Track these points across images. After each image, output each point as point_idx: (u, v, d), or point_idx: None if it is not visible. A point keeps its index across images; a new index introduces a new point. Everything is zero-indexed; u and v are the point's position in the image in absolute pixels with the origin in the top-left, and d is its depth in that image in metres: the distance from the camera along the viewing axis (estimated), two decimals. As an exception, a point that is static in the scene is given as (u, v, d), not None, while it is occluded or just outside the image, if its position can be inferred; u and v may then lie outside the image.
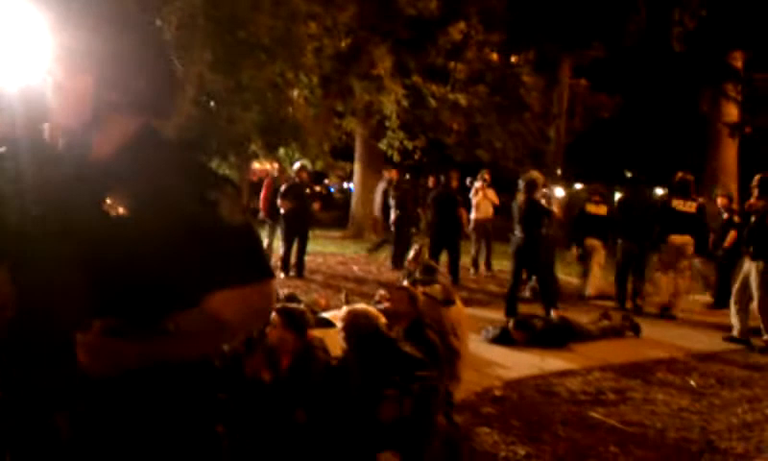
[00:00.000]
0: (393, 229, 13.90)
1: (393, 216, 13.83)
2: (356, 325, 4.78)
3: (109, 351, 1.70)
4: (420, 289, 6.79)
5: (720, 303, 11.30)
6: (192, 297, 1.83)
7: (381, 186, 16.28)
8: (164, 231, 1.79)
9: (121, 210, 1.80)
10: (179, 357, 1.83)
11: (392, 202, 14.11)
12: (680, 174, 11.05)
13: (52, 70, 1.92)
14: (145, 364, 1.76)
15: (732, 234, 11.29)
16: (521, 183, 9.98)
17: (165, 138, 2.01)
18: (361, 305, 5.27)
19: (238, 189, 2.07)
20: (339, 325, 5.00)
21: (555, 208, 10.73)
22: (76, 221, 1.83)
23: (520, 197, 9.97)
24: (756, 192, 9.13)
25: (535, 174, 10.17)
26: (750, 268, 8.99)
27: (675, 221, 10.70)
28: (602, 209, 11.98)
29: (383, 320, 4.99)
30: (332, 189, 34.40)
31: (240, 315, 1.89)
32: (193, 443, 1.91)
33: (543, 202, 10.35)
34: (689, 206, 10.73)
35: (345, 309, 5.23)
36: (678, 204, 10.74)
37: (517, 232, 9.87)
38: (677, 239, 10.72)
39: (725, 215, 11.77)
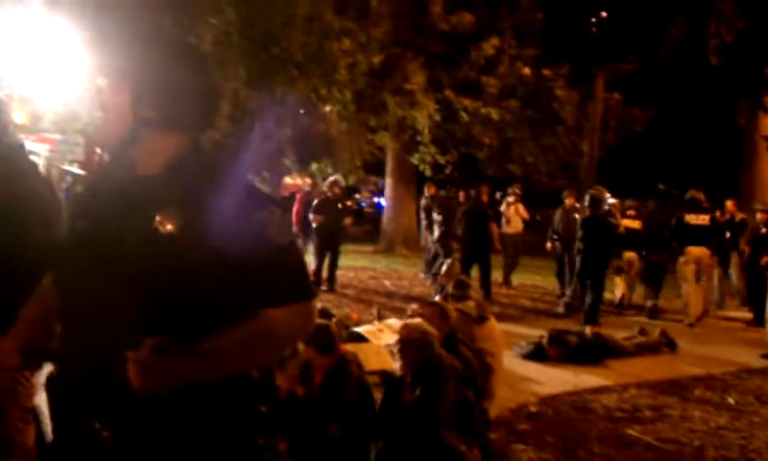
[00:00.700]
0: (438, 244, 13.77)
1: (437, 232, 13.70)
2: (412, 340, 4.72)
3: (161, 369, 1.72)
4: (453, 305, 6.76)
5: (758, 319, 11.19)
6: (238, 314, 1.85)
7: (423, 203, 16.25)
8: (211, 250, 1.81)
9: (170, 227, 1.82)
10: (225, 374, 1.86)
11: (436, 217, 14.01)
12: (690, 192, 11.51)
13: (99, 88, 1.95)
14: (194, 381, 1.78)
15: None
16: (586, 199, 10.34)
17: (213, 156, 2.04)
18: (417, 320, 5.19)
19: (284, 208, 2.09)
20: (392, 339, 4.98)
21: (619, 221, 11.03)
22: (124, 237, 1.86)
23: (585, 212, 10.37)
24: None
25: (598, 190, 10.37)
26: None
27: (690, 234, 11.15)
28: (636, 223, 12.17)
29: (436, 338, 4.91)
30: (363, 204, 34.47)
31: (284, 333, 1.92)
32: (235, 455, 1.92)
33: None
34: (703, 219, 11.22)
35: (401, 322, 5.21)
36: (691, 218, 11.22)
37: (579, 247, 10.23)
38: (694, 251, 11.17)
39: (762, 230, 11.61)
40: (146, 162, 1.94)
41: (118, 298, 1.82)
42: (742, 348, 9.67)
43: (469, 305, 6.74)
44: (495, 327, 6.67)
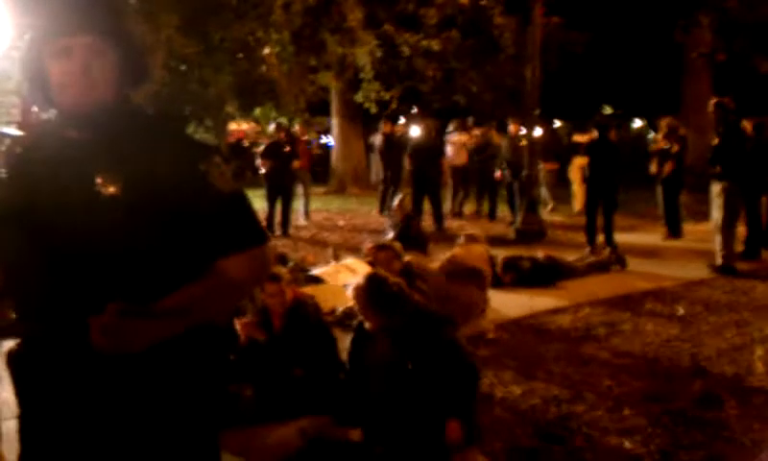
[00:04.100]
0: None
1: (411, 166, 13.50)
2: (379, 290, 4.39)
3: (126, 332, 1.69)
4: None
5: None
6: (193, 268, 1.84)
7: (378, 139, 16.07)
8: (157, 206, 1.78)
9: (112, 189, 1.78)
10: (188, 327, 1.84)
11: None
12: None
13: (67, 49, 1.83)
14: (159, 340, 1.77)
15: (668, 164, 11.52)
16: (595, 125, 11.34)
17: (147, 111, 1.99)
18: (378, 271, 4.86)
19: (226, 156, 2.07)
20: (350, 278, 4.89)
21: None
22: (66, 201, 1.80)
23: (593, 136, 11.16)
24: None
25: (606, 114, 10.86)
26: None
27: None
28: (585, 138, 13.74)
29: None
30: (312, 143, 34.12)
31: (241, 280, 1.92)
32: (210, 405, 1.94)
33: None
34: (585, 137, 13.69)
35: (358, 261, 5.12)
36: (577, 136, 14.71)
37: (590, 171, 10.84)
38: (578, 160, 13.66)
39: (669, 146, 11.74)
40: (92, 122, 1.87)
41: (67, 265, 1.78)
42: (691, 261, 9.92)
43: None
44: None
